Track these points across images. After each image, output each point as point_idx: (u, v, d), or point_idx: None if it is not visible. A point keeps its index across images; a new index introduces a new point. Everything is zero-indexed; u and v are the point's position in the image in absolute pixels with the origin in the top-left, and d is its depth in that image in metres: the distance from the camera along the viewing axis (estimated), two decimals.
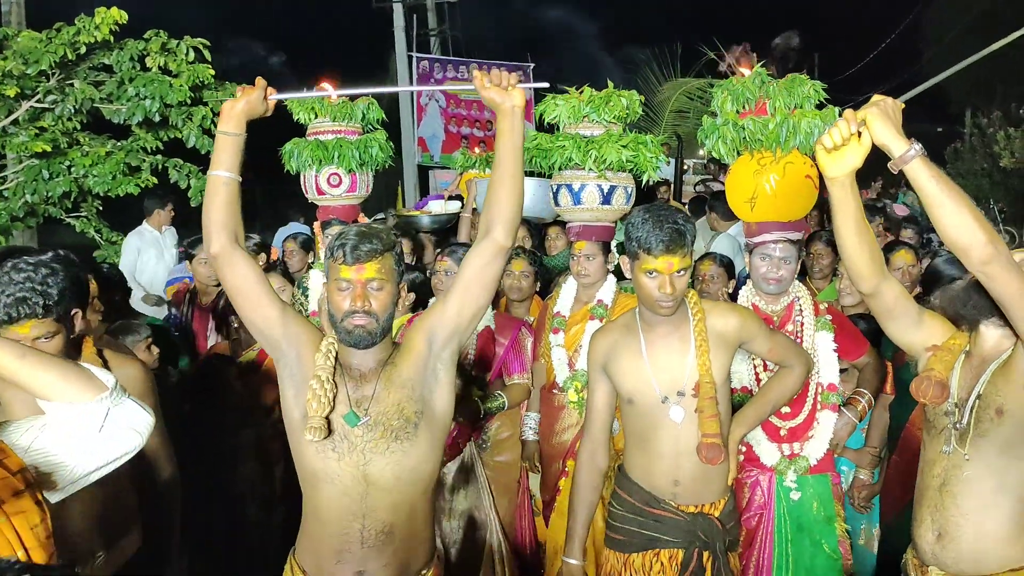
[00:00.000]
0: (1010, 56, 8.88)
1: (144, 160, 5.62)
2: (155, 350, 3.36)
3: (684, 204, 8.53)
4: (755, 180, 2.97)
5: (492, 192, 2.06)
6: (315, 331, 2.10)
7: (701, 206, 6.89)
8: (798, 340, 2.99)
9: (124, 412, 1.58)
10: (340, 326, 1.98)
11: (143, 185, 5.60)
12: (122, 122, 5.43)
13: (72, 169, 5.43)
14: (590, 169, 3.34)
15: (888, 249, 4.24)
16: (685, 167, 10.94)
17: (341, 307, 1.98)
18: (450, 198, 6.56)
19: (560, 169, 3.44)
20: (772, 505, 2.96)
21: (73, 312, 2.20)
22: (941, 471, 2.12)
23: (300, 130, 4.06)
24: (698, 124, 3.21)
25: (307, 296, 4.01)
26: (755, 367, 3.03)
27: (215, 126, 2.51)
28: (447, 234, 5.84)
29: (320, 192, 3.99)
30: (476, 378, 3.45)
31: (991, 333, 2.08)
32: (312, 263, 4.99)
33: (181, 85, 5.22)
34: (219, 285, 3.51)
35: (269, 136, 3.90)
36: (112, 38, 5.09)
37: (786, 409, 2.90)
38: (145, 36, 5.30)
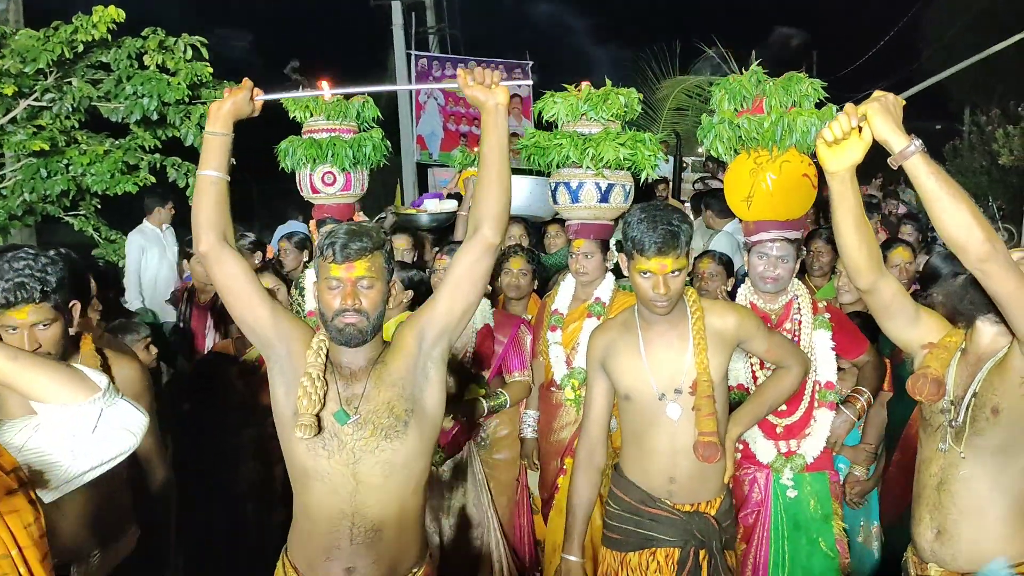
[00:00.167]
0: (1009, 54, 8.87)
1: (142, 159, 5.61)
2: (153, 350, 3.36)
3: (683, 202, 8.53)
4: (752, 178, 2.97)
5: (479, 190, 2.07)
6: (306, 328, 2.11)
7: (701, 203, 6.89)
8: (796, 339, 3.00)
9: (117, 413, 1.58)
10: (331, 324, 1.99)
11: (141, 183, 5.59)
12: (120, 120, 5.42)
13: (70, 167, 5.42)
14: (588, 167, 3.33)
15: (886, 246, 4.25)
16: (684, 165, 10.94)
17: (331, 305, 1.98)
18: (449, 196, 6.56)
19: (558, 167, 3.44)
20: (769, 502, 2.96)
21: (72, 304, 2.21)
22: (938, 469, 2.12)
23: (297, 128, 4.06)
24: (697, 122, 3.21)
25: (303, 295, 4.02)
26: (752, 365, 3.03)
27: None
28: (445, 232, 5.84)
29: (315, 191, 4.00)
30: (476, 376, 3.45)
31: (987, 330, 2.08)
32: (307, 262, 5.00)
33: (179, 83, 5.22)
34: None
35: (267, 134, 3.91)
36: (110, 36, 5.08)
37: (783, 407, 2.89)
38: (143, 34, 5.29)
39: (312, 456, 1.99)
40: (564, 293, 3.60)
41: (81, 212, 6.25)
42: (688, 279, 4.11)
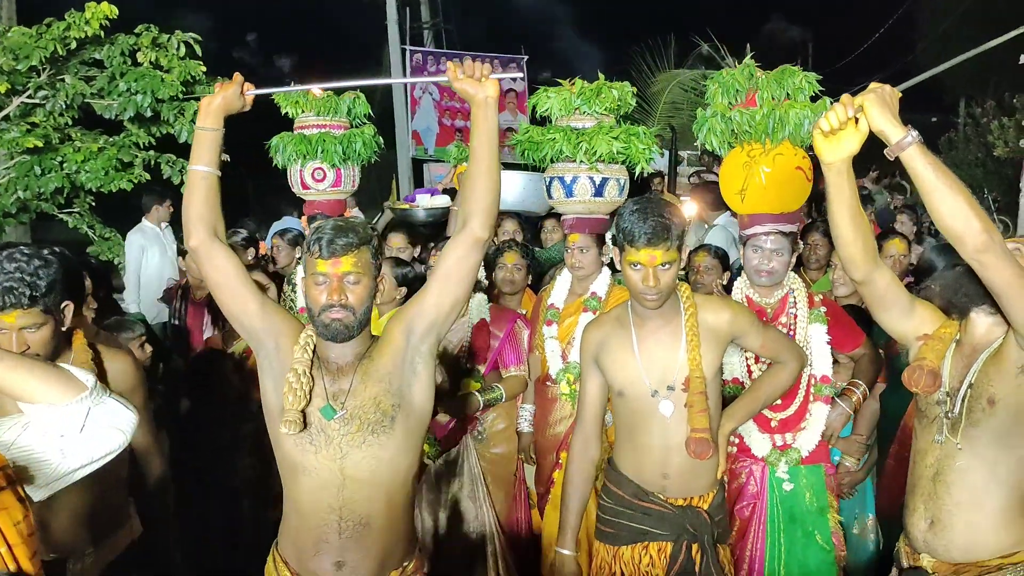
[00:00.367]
0: (1004, 47, 8.88)
1: (136, 156, 5.60)
2: (148, 348, 3.36)
3: (679, 196, 8.52)
4: (745, 172, 2.97)
5: (468, 184, 2.07)
6: (295, 323, 2.11)
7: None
8: (792, 332, 3.00)
9: (106, 411, 1.58)
10: (317, 320, 1.99)
11: (136, 181, 5.58)
12: (113, 117, 5.40)
13: (64, 165, 5.40)
14: (581, 161, 3.33)
15: (881, 237, 4.25)
16: (680, 159, 10.92)
17: (318, 301, 1.98)
18: (445, 191, 6.56)
19: (552, 161, 3.44)
20: (765, 495, 2.97)
21: (64, 305, 2.21)
22: (934, 460, 2.13)
23: (291, 124, 4.06)
24: (692, 116, 3.21)
25: (296, 291, 4.02)
26: (747, 359, 3.03)
27: None
28: (442, 228, 5.84)
29: (305, 187, 4.01)
30: (471, 371, 3.46)
31: (981, 321, 2.09)
32: (300, 258, 5.00)
33: (173, 80, 5.20)
34: None
35: (262, 130, 3.91)
36: (102, 33, 5.06)
37: (778, 401, 2.90)
38: (136, 31, 5.28)
39: (299, 451, 2.00)
40: (560, 288, 3.60)
41: (75, 210, 6.23)
42: (683, 273, 4.13)
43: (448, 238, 4.31)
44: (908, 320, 2.21)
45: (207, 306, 4.41)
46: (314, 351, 2.05)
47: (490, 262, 3.91)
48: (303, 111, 3.96)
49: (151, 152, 5.67)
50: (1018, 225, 9.69)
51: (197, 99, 5.49)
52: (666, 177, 9.17)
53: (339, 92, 4.01)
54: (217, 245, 2.05)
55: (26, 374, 1.53)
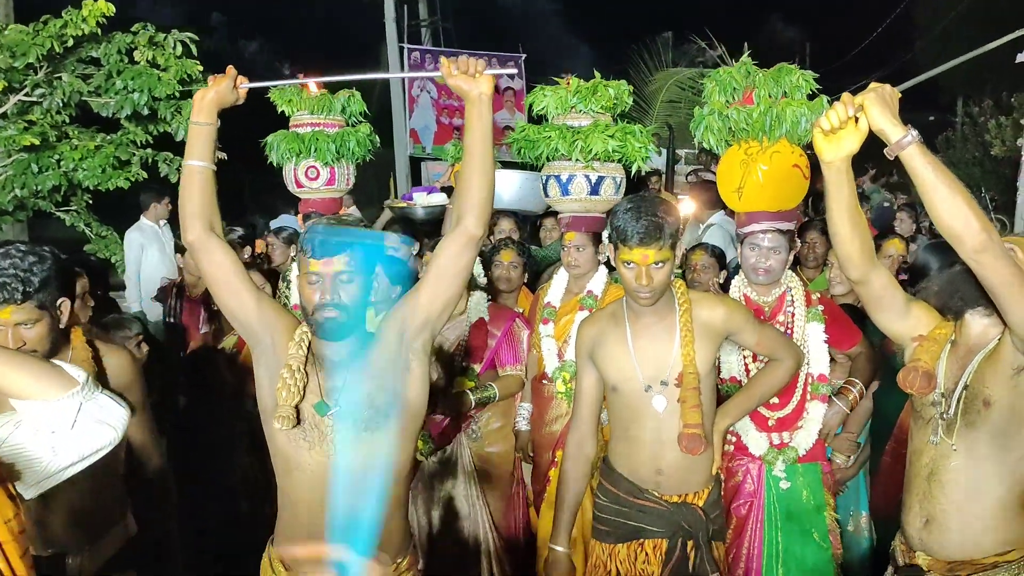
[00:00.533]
0: (1002, 46, 8.89)
1: (134, 154, 5.60)
2: (144, 347, 3.36)
3: (676, 194, 8.53)
4: (742, 170, 2.97)
5: (462, 181, 2.06)
6: (291, 319, 2.12)
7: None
8: (789, 331, 3.00)
9: (97, 407, 1.57)
10: (311, 319, 1.99)
11: (133, 179, 5.58)
12: (111, 115, 5.40)
13: (61, 163, 5.40)
14: (577, 159, 3.33)
15: (880, 237, 4.26)
16: (678, 157, 10.92)
17: (312, 300, 1.98)
18: (442, 189, 6.55)
19: (548, 160, 3.44)
20: (762, 493, 2.97)
21: (60, 302, 2.21)
22: (929, 460, 2.13)
23: (288, 121, 4.06)
24: (690, 114, 3.21)
25: (290, 288, 4.02)
26: (744, 357, 3.03)
27: None
28: (439, 225, 5.84)
29: (299, 185, 4.02)
30: (467, 369, 3.45)
31: (976, 322, 2.09)
32: (295, 256, 5.00)
33: (169, 79, 5.20)
34: None
35: (258, 127, 3.90)
36: (99, 30, 5.06)
37: (775, 399, 2.90)
38: (132, 29, 5.27)
39: (293, 447, 2.00)
40: (557, 286, 3.60)
41: (72, 207, 6.23)
42: (680, 271, 4.13)
43: (442, 236, 4.33)
44: (904, 320, 2.21)
45: (203, 304, 4.41)
46: (309, 347, 2.05)
47: (487, 260, 3.91)
48: (298, 109, 3.96)
49: (148, 150, 5.67)
50: (1015, 224, 9.69)
51: (194, 95, 5.49)
52: (664, 175, 9.17)
53: (333, 88, 4.00)
54: (214, 240, 2.05)
55: (17, 370, 1.53)
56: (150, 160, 5.67)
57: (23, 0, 7.15)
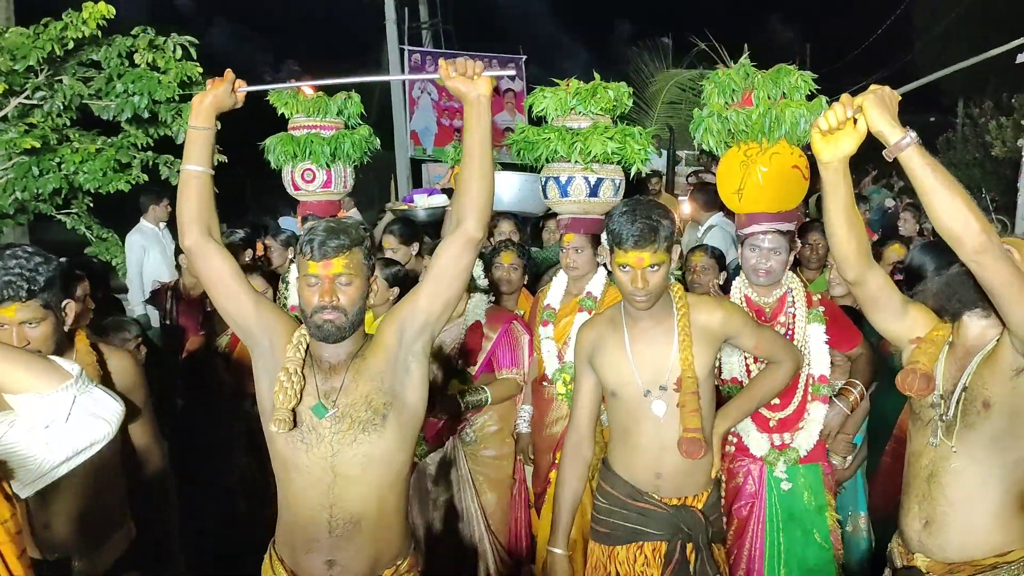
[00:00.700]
0: (1001, 46, 8.90)
1: (135, 157, 5.60)
2: (143, 350, 3.37)
3: (677, 196, 8.53)
4: (742, 171, 2.97)
5: (462, 183, 2.07)
6: (289, 321, 2.12)
7: None
8: (790, 332, 3.00)
9: (91, 400, 1.57)
10: (310, 321, 2.00)
11: (134, 182, 5.59)
12: (111, 118, 5.41)
13: (62, 166, 5.40)
14: (576, 161, 3.34)
15: (880, 243, 4.25)
16: (678, 159, 10.92)
17: (310, 302, 1.99)
18: (443, 190, 6.55)
19: (547, 161, 3.44)
20: (763, 494, 2.97)
21: (65, 303, 2.24)
22: (928, 462, 2.13)
23: (288, 123, 4.07)
24: (690, 116, 3.21)
25: (289, 289, 4.03)
26: (746, 359, 3.03)
27: None
28: (440, 227, 5.84)
29: (296, 187, 4.03)
30: (461, 371, 3.45)
31: (974, 323, 2.09)
32: (293, 259, 5.01)
33: (169, 82, 5.21)
34: None
35: (258, 129, 3.91)
36: (100, 33, 5.07)
37: (776, 400, 2.90)
38: (133, 32, 5.28)
39: (291, 449, 2.01)
40: (556, 288, 3.60)
41: (73, 210, 6.23)
42: (680, 273, 4.13)
43: (442, 238, 4.34)
44: (900, 321, 2.21)
45: (200, 304, 4.41)
46: (307, 350, 2.05)
47: (487, 262, 3.91)
48: (296, 112, 3.96)
49: (149, 153, 5.68)
50: (1016, 225, 9.68)
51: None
52: (664, 177, 9.17)
53: (331, 91, 4.00)
54: (212, 244, 2.06)
55: (10, 363, 1.53)
56: (151, 163, 5.67)
57: (23, 2, 7.16)
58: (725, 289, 3.75)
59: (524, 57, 12.62)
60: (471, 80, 2.03)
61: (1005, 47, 8.13)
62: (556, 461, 3.35)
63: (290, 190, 4.07)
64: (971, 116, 15.41)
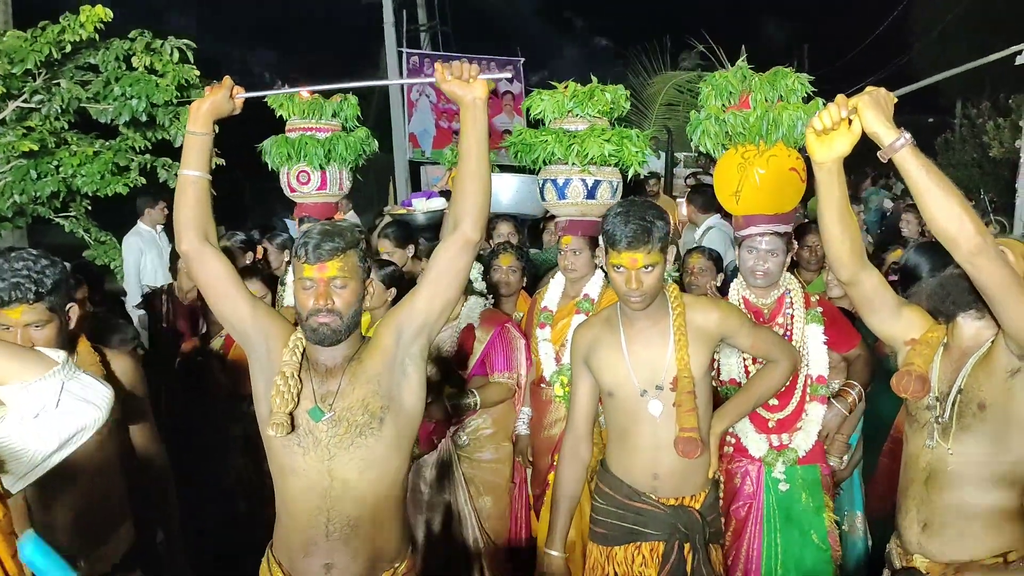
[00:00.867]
0: (999, 50, 8.91)
1: (132, 160, 5.61)
2: (139, 352, 3.38)
3: (675, 197, 8.54)
4: (739, 173, 2.98)
5: (459, 186, 2.07)
6: (285, 325, 2.12)
7: None
8: (788, 333, 3.00)
9: (80, 385, 1.56)
10: (305, 324, 2.00)
11: (132, 185, 5.60)
12: (109, 122, 5.42)
13: (60, 169, 5.42)
14: (573, 163, 3.34)
15: (881, 249, 4.25)
16: (676, 160, 10.94)
17: (306, 305, 1.99)
18: (441, 193, 6.56)
19: (545, 164, 3.44)
20: (761, 495, 2.97)
21: (69, 307, 2.25)
22: (925, 464, 2.13)
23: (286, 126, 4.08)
24: (688, 118, 3.21)
25: (286, 290, 4.04)
26: (744, 360, 3.03)
27: None
28: (439, 230, 5.84)
29: (291, 189, 4.04)
30: (453, 375, 3.45)
31: (969, 325, 2.09)
32: (289, 262, 5.01)
33: (167, 85, 5.22)
34: None
35: (257, 132, 3.91)
36: (97, 36, 5.08)
37: (774, 401, 2.91)
38: (130, 36, 5.29)
39: (288, 453, 2.01)
40: (553, 290, 3.60)
41: (71, 213, 6.24)
42: (678, 274, 4.13)
43: (439, 240, 4.34)
44: (895, 322, 2.21)
45: (195, 308, 4.41)
46: (303, 353, 2.05)
47: (485, 264, 3.91)
48: (291, 114, 3.97)
49: (147, 156, 5.68)
50: (1015, 226, 9.69)
51: (191, 103, 5.50)
52: (662, 179, 9.18)
53: (327, 95, 4.01)
54: (208, 249, 2.06)
55: None
56: (149, 166, 5.68)
57: (21, 5, 7.16)
58: (723, 291, 3.75)
59: (522, 60, 12.64)
60: (467, 83, 2.03)
61: (1005, 52, 8.13)
62: (555, 463, 3.35)
63: (286, 192, 4.08)
64: (969, 117, 15.43)
